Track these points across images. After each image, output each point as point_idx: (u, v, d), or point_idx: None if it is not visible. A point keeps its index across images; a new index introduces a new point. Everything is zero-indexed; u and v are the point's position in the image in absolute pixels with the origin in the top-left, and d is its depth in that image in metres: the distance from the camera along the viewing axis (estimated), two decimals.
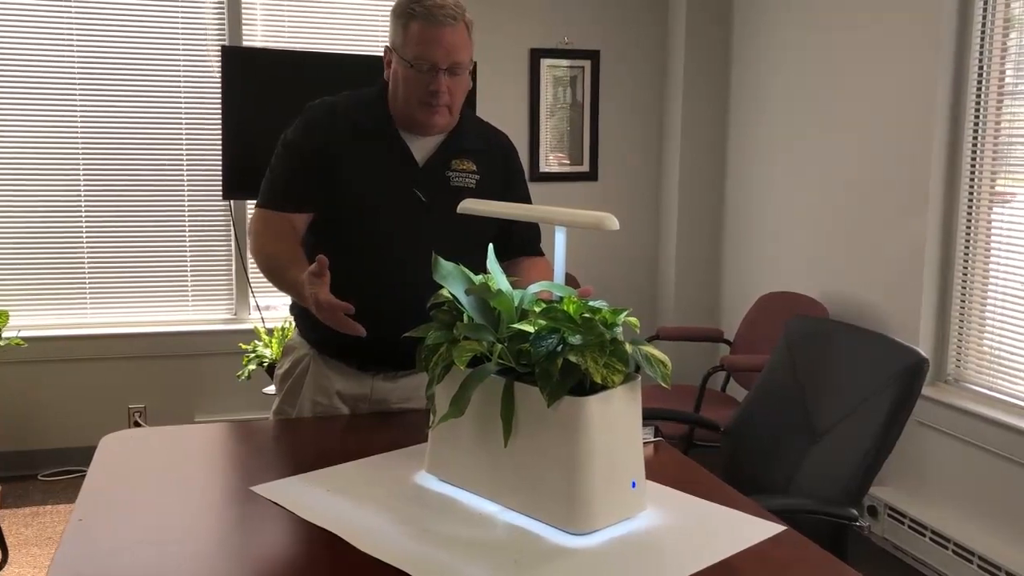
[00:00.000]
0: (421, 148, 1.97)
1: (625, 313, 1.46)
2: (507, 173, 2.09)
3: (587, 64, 4.43)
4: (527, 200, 2.13)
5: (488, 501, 1.53)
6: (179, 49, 3.97)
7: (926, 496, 3.23)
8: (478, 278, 1.58)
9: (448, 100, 1.90)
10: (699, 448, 3.27)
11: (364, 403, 2.03)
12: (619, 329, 1.45)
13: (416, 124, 1.95)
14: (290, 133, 1.99)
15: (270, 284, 1.93)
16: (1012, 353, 3.01)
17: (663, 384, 1.45)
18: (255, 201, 2.01)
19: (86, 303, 4.02)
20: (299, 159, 1.94)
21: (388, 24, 1.96)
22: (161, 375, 4.06)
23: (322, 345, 2.01)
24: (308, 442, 1.89)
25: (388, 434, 1.88)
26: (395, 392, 2.03)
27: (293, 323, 2.12)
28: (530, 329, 1.44)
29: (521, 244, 2.10)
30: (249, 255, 1.95)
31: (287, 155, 1.97)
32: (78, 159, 3.93)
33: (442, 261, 1.59)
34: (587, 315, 1.44)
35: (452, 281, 1.56)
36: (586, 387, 1.40)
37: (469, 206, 1.79)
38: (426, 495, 1.58)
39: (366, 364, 2.01)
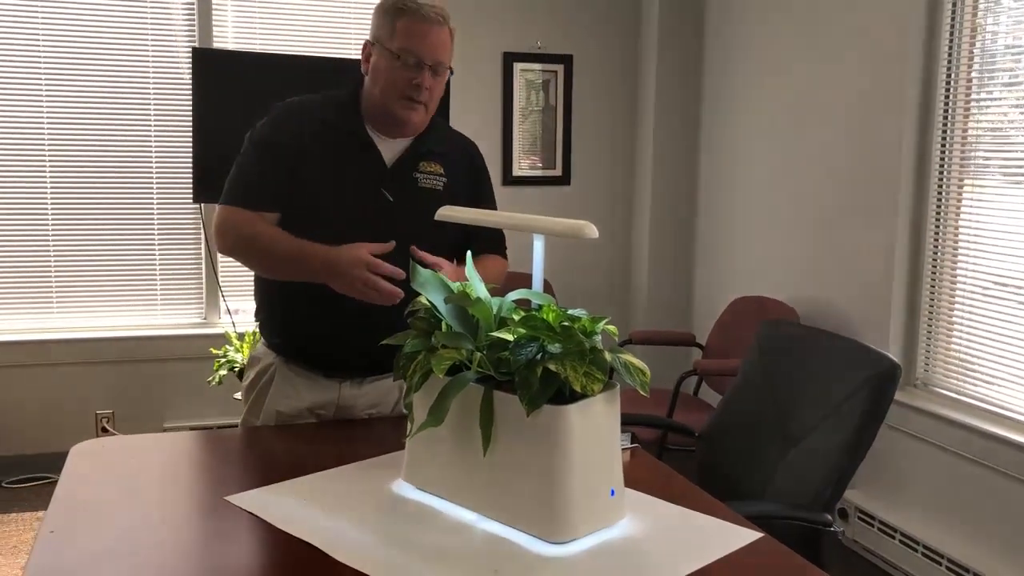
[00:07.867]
0: (389, 149, 1.97)
1: (604, 321, 1.47)
2: (473, 174, 2.10)
3: (560, 68, 4.44)
4: (493, 201, 2.14)
5: (466, 510, 1.52)
6: (149, 50, 3.92)
7: (895, 499, 3.27)
8: (456, 285, 1.58)
9: (427, 98, 1.91)
10: (672, 452, 3.28)
11: (330, 410, 2.00)
12: (598, 337, 1.45)
13: (392, 120, 1.93)
14: (259, 130, 1.95)
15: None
16: (978, 357, 3.06)
17: (642, 392, 1.45)
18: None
19: (53, 307, 3.95)
20: (270, 157, 1.91)
21: (372, 20, 1.94)
22: (129, 380, 4.00)
23: (288, 352, 1.99)
24: (281, 451, 1.87)
25: (362, 443, 1.86)
26: (362, 399, 2.01)
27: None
28: (509, 337, 1.44)
29: (482, 247, 2.08)
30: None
31: (258, 153, 1.93)
32: (44, 161, 3.86)
33: (420, 268, 1.58)
34: (566, 323, 1.44)
35: (430, 289, 1.55)
36: (566, 395, 1.40)
37: (446, 213, 1.78)
38: (403, 504, 1.57)
39: (332, 370, 1.98)
